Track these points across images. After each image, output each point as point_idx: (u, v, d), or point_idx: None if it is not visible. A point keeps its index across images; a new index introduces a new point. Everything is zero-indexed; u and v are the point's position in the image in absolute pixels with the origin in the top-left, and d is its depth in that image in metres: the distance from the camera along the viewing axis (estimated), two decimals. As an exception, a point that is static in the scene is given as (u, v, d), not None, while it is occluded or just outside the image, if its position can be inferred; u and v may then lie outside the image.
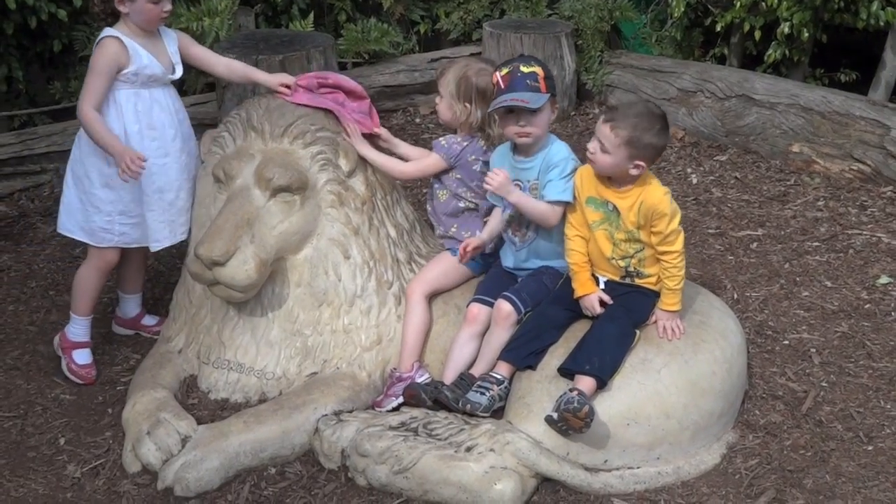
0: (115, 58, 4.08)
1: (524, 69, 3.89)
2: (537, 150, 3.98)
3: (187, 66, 4.42)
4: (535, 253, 4.13)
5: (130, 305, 4.76)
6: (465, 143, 4.23)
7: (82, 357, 4.43)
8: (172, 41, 4.32)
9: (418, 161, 4.36)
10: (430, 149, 4.32)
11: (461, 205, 4.29)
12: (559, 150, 3.99)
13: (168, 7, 4.16)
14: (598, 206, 3.86)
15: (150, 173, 4.18)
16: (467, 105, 4.16)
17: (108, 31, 4.12)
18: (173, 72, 4.30)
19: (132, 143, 4.15)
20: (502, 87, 3.90)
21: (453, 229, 4.33)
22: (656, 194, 3.80)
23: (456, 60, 4.32)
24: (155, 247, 4.36)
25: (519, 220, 4.09)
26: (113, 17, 4.17)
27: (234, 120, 4.28)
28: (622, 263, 3.90)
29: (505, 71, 3.91)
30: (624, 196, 3.81)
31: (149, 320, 4.79)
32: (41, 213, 6.14)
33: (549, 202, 3.93)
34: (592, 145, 3.77)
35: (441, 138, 4.29)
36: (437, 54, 8.27)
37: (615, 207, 3.82)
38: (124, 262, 4.54)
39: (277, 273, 4.12)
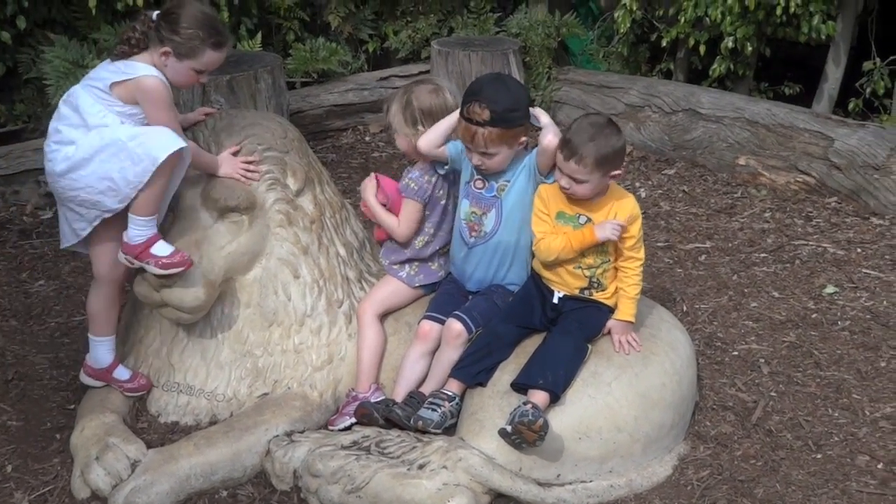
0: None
1: None
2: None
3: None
4: (487, 252, 4.07)
5: (100, 350, 4.18)
6: (431, 179, 4.16)
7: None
8: None
9: (402, 217, 4.20)
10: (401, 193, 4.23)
11: (418, 239, 4.26)
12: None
13: (205, 80, 4.07)
14: (567, 221, 3.88)
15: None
16: (419, 128, 4.15)
17: (155, 71, 3.87)
18: None
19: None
20: None
21: (386, 262, 4.34)
22: (630, 200, 3.90)
23: (395, 93, 4.25)
24: (62, 245, 4.08)
25: (478, 219, 4.06)
26: (131, 51, 3.92)
27: (180, 140, 4.25)
28: (587, 273, 3.92)
29: None
30: (599, 207, 3.85)
31: (122, 373, 4.20)
32: (-13, 238, 6.07)
33: None
34: (564, 182, 3.76)
35: (407, 181, 4.18)
36: (386, 73, 8.29)
37: (589, 219, 3.85)
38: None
39: (227, 294, 4.09)
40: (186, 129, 4.26)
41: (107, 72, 3.89)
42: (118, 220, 3.88)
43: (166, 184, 3.83)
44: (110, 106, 3.83)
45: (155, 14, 3.92)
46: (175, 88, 3.99)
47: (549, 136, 3.82)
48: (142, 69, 3.85)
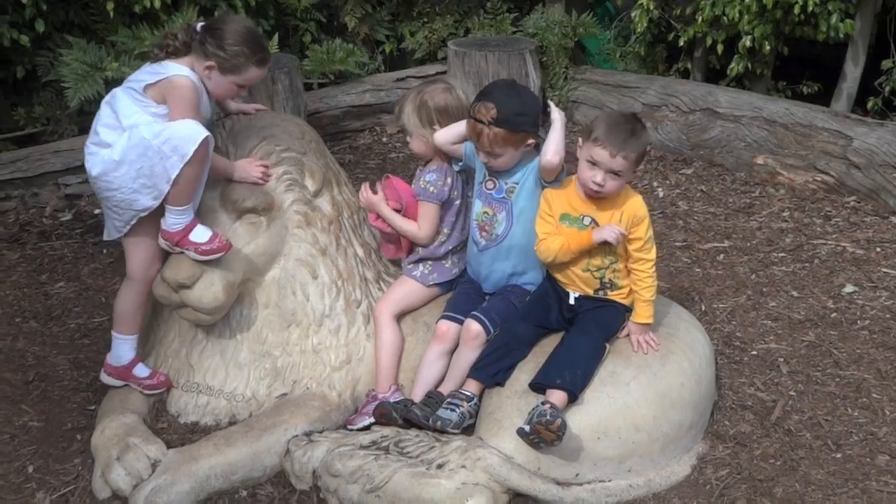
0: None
1: None
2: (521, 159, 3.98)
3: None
4: (500, 256, 4.08)
5: (122, 348, 4.22)
6: (448, 180, 4.18)
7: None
8: None
9: (422, 220, 4.18)
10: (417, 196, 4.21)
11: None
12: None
13: (244, 93, 4.12)
14: (571, 222, 3.87)
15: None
16: (435, 128, 4.15)
17: (188, 71, 3.90)
18: None
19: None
20: None
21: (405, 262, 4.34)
22: (637, 200, 3.86)
23: (407, 94, 4.25)
24: (105, 237, 4.11)
25: (489, 220, 4.07)
26: (172, 55, 3.94)
27: (198, 142, 4.26)
28: (597, 275, 3.91)
29: None
30: (605, 208, 3.83)
31: (141, 370, 4.23)
32: (6, 240, 6.09)
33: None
34: (600, 178, 3.70)
35: (424, 184, 4.17)
36: (402, 73, 8.30)
37: (594, 220, 3.84)
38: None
39: (245, 294, 4.10)
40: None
41: (144, 73, 3.93)
42: (153, 219, 3.91)
43: (199, 174, 3.85)
44: (145, 107, 3.86)
45: (199, 26, 3.94)
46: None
47: (549, 155, 3.81)
48: (174, 68, 3.88)
